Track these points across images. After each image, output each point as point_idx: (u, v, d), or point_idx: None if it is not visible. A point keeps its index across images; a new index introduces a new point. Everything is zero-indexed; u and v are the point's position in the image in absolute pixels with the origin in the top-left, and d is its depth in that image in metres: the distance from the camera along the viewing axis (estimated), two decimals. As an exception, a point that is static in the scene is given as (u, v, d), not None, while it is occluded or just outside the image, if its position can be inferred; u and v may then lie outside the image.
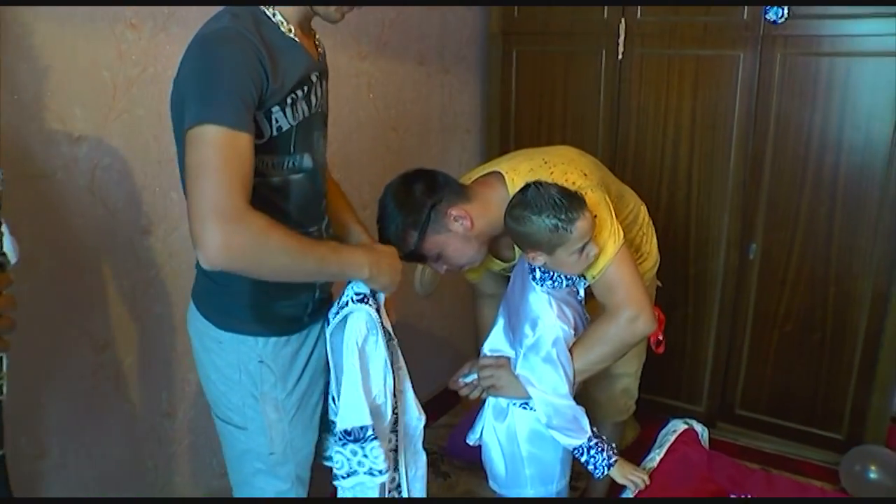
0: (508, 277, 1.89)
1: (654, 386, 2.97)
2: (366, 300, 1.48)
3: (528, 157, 1.84)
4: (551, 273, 1.69)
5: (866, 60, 2.43)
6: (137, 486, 1.98)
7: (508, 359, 1.81)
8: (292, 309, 1.47)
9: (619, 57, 2.81)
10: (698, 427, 1.99)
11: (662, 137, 2.81)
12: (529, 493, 1.80)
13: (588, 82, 2.92)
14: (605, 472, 1.69)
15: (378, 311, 1.50)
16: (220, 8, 1.34)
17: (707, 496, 2.22)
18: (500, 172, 1.79)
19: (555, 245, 1.61)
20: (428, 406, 3.11)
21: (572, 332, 1.70)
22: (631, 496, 1.71)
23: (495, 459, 1.86)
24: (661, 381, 2.99)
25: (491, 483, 1.91)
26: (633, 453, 2.64)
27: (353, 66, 2.47)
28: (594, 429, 1.70)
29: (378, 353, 1.51)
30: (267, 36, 1.28)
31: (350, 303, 1.48)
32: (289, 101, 1.32)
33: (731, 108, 2.66)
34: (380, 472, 1.47)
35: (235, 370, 1.44)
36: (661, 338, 1.95)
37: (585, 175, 1.77)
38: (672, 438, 1.91)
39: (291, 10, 1.36)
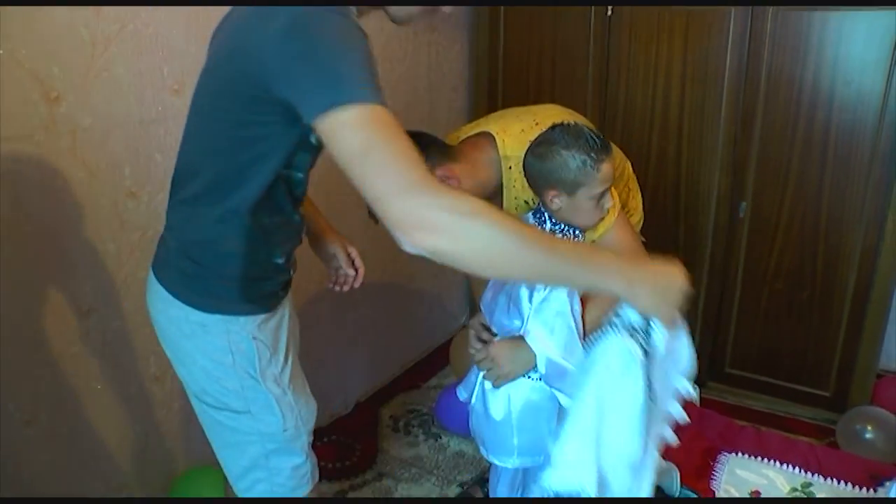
0: None
1: (644, 345, 2.99)
2: (636, 335, 1.21)
3: (517, 118, 1.81)
4: (561, 226, 1.66)
5: (858, 14, 2.40)
6: (129, 452, 1.98)
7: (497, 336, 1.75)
8: (273, 286, 1.42)
9: (609, 13, 2.76)
10: (689, 385, 1.99)
11: (652, 94, 2.77)
12: (516, 461, 1.78)
13: (577, 39, 2.87)
14: None
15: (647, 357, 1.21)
16: None
17: (698, 453, 2.24)
18: (489, 133, 1.76)
19: (579, 184, 1.57)
20: (419, 366, 3.14)
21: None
22: None
23: (484, 424, 1.84)
24: (650, 340, 3.00)
25: (479, 446, 1.90)
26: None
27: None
28: None
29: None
30: None
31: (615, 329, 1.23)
32: None
33: (722, 64, 2.62)
34: None
35: (227, 353, 1.35)
36: None
37: None
38: (663, 397, 1.91)
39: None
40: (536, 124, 1.74)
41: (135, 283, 1.89)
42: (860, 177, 2.50)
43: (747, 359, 2.88)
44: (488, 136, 1.76)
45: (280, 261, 1.39)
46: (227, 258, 1.30)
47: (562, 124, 1.62)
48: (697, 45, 2.66)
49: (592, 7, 2.79)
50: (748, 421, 2.67)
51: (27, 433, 1.72)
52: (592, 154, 1.56)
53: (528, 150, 1.65)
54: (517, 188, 1.75)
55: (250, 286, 1.35)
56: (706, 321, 2.91)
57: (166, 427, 2.07)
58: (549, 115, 1.80)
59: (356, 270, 1.70)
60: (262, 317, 1.39)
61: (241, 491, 1.46)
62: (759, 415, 2.79)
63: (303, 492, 1.48)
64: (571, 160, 1.56)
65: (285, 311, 1.48)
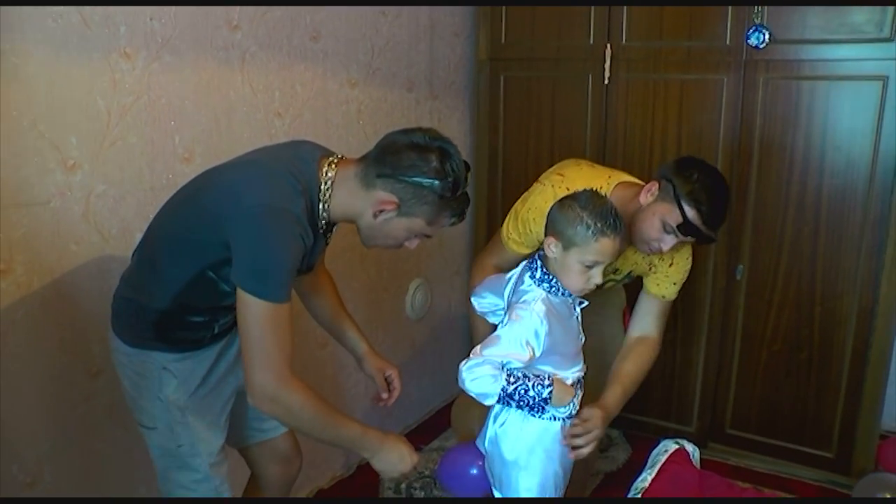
0: None
1: (645, 407, 3.00)
2: None
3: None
4: (551, 276, 1.72)
5: (845, 84, 2.49)
6: (130, 513, 1.98)
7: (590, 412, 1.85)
8: (193, 335, 1.64)
9: (606, 82, 2.86)
10: (689, 447, 1.99)
11: (649, 160, 2.84)
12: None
13: (575, 107, 2.96)
14: (545, 403, 1.70)
15: None
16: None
17: (699, 515, 2.21)
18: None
19: (575, 241, 1.65)
20: (420, 429, 3.14)
21: (545, 322, 1.67)
22: (639, 496, 1.72)
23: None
24: (651, 401, 3.01)
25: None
26: (625, 475, 2.66)
27: (343, 93, 2.51)
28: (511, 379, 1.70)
29: None
30: (310, 223, 1.51)
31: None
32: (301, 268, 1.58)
33: (716, 131, 2.71)
34: None
35: (141, 377, 1.61)
36: None
37: None
38: (663, 458, 1.92)
39: (339, 216, 1.58)
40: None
41: (142, 344, 1.92)
42: (853, 240, 2.56)
43: (748, 420, 2.89)
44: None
45: (198, 319, 1.61)
46: (144, 305, 1.58)
47: (595, 191, 1.73)
48: (692, 113, 2.75)
49: (590, 75, 2.89)
50: (750, 482, 2.65)
51: (30, 493, 1.72)
52: (599, 224, 1.63)
53: (558, 200, 1.76)
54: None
55: (165, 332, 1.59)
56: (706, 382, 2.93)
57: (169, 489, 2.07)
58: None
59: (391, 391, 1.96)
60: (178, 355, 1.62)
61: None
62: (763, 476, 2.78)
63: None
64: (579, 219, 1.64)
65: (215, 353, 1.70)
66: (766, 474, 2.80)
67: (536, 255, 1.78)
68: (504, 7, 3.02)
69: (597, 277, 1.69)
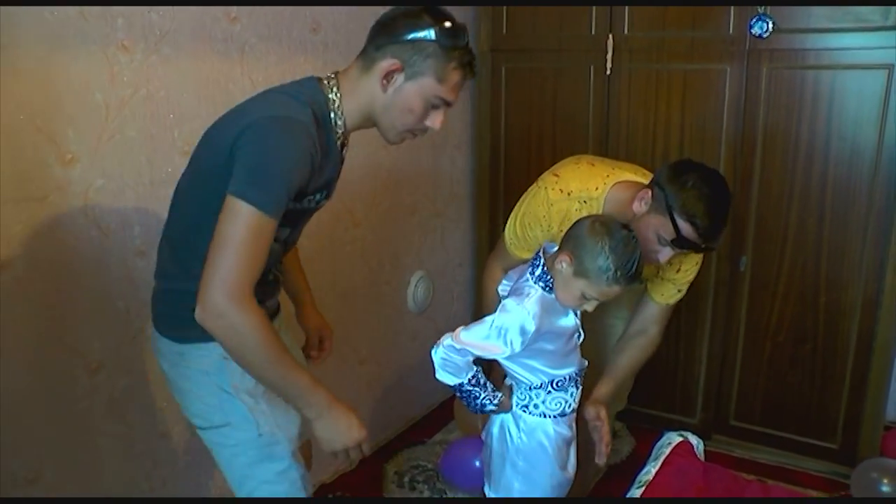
0: None
1: (649, 399, 2.99)
2: None
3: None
4: (549, 277, 1.70)
5: (849, 73, 2.47)
6: (132, 509, 1.97)
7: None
8: None
9: (608, 72, 2.84)
10: (693, 439, 1.99)
11: (652, 151, 2.83)
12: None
13: (577, 97, 2.94)
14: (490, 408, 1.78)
15: None
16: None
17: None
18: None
19: (587, 275, 1.62)
20: (424, 422, 3.14)
21: (534, 322, 1.66)
22: (638, 496, 1.72)
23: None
24: (655, 393, 3.00)
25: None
26: (629, 467, 2.65)
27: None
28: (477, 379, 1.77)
29: None
30: (322, 138, 1.44)
31: None
32: (311, 197, 1.50)
33: (720, 122, 2.69)
34: None
35: (203, 373, 1.52)
36: None
37: None
38: (667, 451, 1.91)
39: (356, 117, 1.52)
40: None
41: (143, 340, 1.91)
42: (858, 230, 2.54)
43: (752, 411, 2.88)
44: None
45: None
46: (189, 295, 1.37)
47: (630, 234, 1.64)
48: (695, 103, 2.73)
49: (592, 65, 2.87)
50: (754, 474, 2.65)
51: (31, 491, 1.72)
52: (619, 273, 1.60)
53: (594, 217, 1.71)
54: (560, 213, 1.91)
55: None
56: (710, 374, 2.92)
57: (171, 484, 2.07)
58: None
59: (321, 350, 1.91)
60: None
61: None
62: (767, 468, 2.77)
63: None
64: (602, 257, 1.60)
65: None
66: (770, 466, 2.79)
67: (539, 253, 1.76)
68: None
69: (590, 307, 1.69)
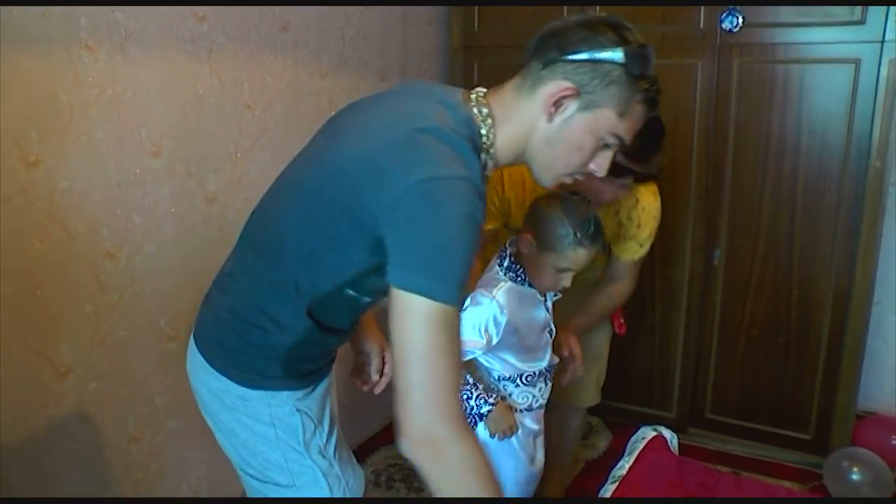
0: None
1: (625, 394, 3.00)
2: None
3: None
4: (518, 267, 1.71)
5: (818, 67, 2.49)
6: (105, 514, 1.95)
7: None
8: (318, 365, 1.38)
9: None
10: (667, 433, 2.00)
11: (625, 146, 2.83)
12: None
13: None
14: (479, 418, 1.74)
15: None
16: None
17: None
18: None
19: (552, 247, 1.65)
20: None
21: (505, 315, 1.67)
22: (612, 491, 1.73)
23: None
24: (631, 388, 3.01)
25: None
26: (605, 462, 2.67)
27: (314, 84, 2.47)
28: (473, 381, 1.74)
29: None
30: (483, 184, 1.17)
31: None
32: None
33: (691, 116, 2.70)
34: None
35: (269, 426, 1.30)
36: (622, 320, 2.35)
37: None
38: (641, 445, 1.92)
39: (509, 152, 1.24)
40: None
41: (113, 343, 1.89)
42: (828, 223, 2.56)
43: (727, 404, 2.90)
44: None
45: (331, 343, 1.37)
46: (275, 341, 1.25)
47: (582, 197, 1.68)
48: (666, 98, 2.71)
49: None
50: (730, 466, 2.67)
51: None
52: (578, 234, 1.63)
53: (546, 193, 1.71)
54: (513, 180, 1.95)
55: (294, 366, 1.31)
56: (685, 367, 2.94)
57: (144, 487, 2.05)
58: None
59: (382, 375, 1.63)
60: (305, 391, 1.34)
61: None
62: (742, 460, 2.79)
63: None
64: (560, 224, 1.63)
65: (329, 379, 1.43)
66: (745, 458, 2.81)
67: (507, 244, 1.76)
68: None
69: (567, 282, 1.70)
